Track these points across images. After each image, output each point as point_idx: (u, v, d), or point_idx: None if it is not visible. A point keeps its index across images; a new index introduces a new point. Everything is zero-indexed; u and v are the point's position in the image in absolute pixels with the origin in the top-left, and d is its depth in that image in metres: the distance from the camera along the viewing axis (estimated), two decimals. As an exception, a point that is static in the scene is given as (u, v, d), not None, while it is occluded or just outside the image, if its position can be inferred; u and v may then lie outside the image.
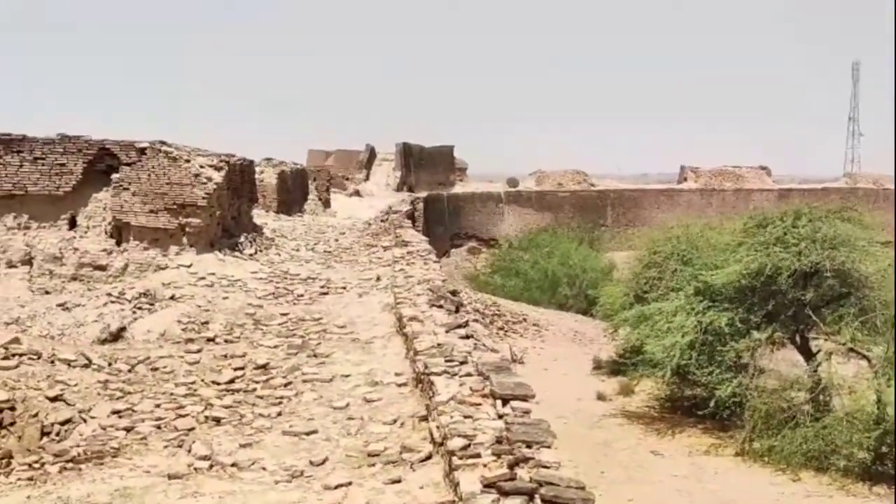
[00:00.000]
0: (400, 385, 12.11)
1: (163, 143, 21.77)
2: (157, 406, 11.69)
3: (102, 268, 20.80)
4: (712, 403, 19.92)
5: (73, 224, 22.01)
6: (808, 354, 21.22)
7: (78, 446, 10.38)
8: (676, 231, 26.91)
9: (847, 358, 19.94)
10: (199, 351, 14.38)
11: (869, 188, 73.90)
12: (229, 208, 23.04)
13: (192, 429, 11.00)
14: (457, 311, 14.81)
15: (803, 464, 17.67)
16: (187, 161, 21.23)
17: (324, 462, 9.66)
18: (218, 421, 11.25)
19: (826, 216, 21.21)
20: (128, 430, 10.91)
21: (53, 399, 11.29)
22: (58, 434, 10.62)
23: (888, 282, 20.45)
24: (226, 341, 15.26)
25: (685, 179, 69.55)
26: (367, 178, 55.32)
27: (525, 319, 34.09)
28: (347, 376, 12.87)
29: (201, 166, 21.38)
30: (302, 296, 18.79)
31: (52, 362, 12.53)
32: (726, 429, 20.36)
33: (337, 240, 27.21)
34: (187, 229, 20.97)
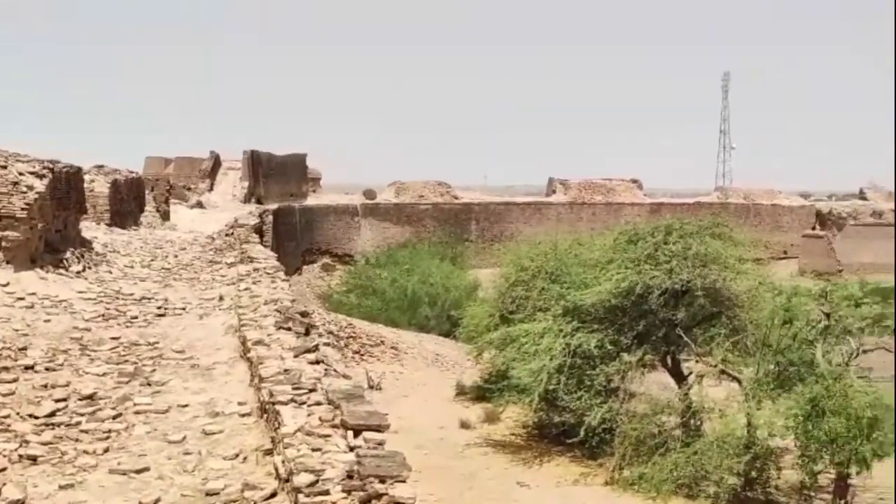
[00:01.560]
0: (243, 415, 11.88)
1: (-27, 146, 20.88)
2: (-37, 445, 11.13)
3: None
4: (582, 430, 20.24)
5: None
6: (680, 377, 21.85)
7: None
8: (544, 247, 27.31)
9: (718, 380, 20.62)
10: (14, 380, 13.74)
11: (740, 203, 77.01)
12: (53, 220, 22.23)
13: (3, 469, 10.51)
14: (307, 333, 14.65)
15: (674, 491, 18.17)
16: (3, 167, 20.40)
17: (156, 503, 9.38)
18: (34, 460, 10.76)
19: (697, 232, 21.87)
20: (-73, 472, 10.35)
21: None
22: None
23: (758, 301, 21.28)
24: (46, 369, 14.63)
25: (554, 192, 70.95)
26: (211, 189, 54.41)
27: (383, 342, 34.01)
28: (185, 406, 12.54)
29: (20, 173, 20.57)
30: (136, 318, 18.23)
31: None
32: (596, 457, 20.74)
33: (176, 255, 26.60)
34: (4, 244, 20.10)
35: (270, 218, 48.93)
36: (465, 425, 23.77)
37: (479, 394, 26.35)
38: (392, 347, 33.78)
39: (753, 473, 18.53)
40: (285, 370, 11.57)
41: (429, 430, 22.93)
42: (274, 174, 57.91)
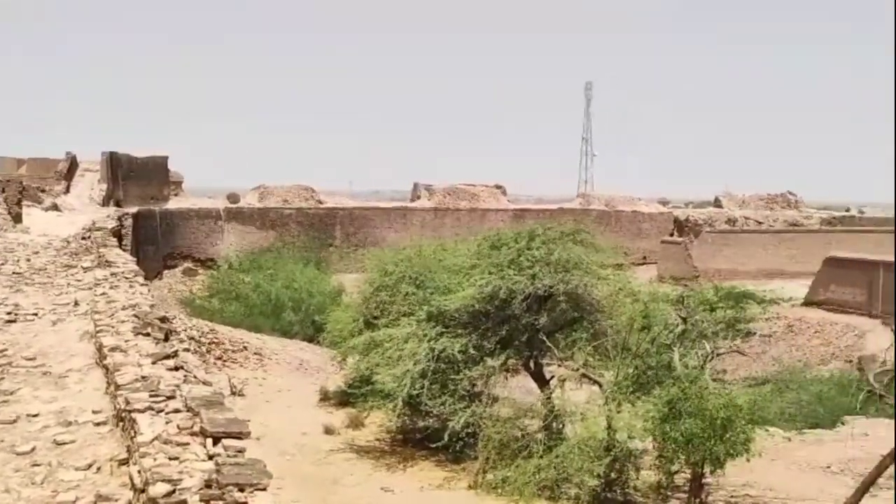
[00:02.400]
0: (98, 424, 11.50)
1: None
2: None
3: None
4: (445, 435, 20.33)
5: None
6: (542, 381, 22.12)
7: None
8: (409, 252, 27.38)
9: (580, 384, 20.98)
10: None
11: (602, 209, 78.71)
12: None
13: None
14: (166, 339, 14.31)
15: (536, 494, 18.38)
16: None
17: (2, 517, 8.99)
18: None
19: (560, 238, 22.21)
20: None
21: None
22: None
23: (619, 306, 21.73)
24: None
25: (419, 197, 71.19)
26: (67, 191, 52.69)
27: (246, 348, 33.56)
28: (35, 416, 12.07)
29: None
30: (-18, 324, 17.51)
31: None
32: (460, 461, 20.84)
33: (29, 259, 25.62)
34: None
35: (130, 221, 47.84)
36: (328, 431, 23.62)
37: (344, 399, 26.23)
38: (255, 353, 33.38)
39: (613, 475, 18.89)
40: (143, 377, 11.25)
41: (292, 436, 22.70)
42: (134, 176, 56.60)
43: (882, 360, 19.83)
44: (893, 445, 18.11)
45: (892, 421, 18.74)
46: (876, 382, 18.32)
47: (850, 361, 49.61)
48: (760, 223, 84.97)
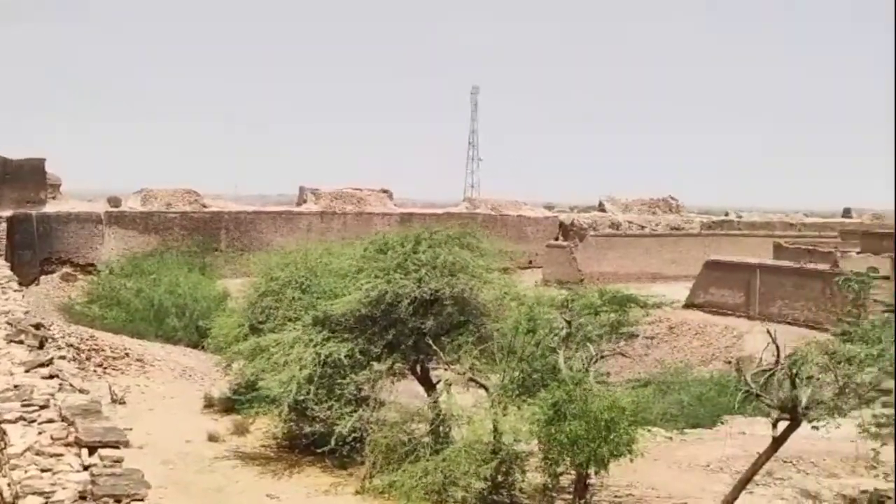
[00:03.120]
0: (-33, 436, 11.07)
1: None
2: None
3: None
4: (332, 440, 20.18)
5: None
6: (429, 385, 22.14)
7: None
8: (295, 256, 27.12)
9: (466, 387, 21.04)
10: None
11: (488, 214, 79.29)
12: None
13: None
14: (41, 346, 13.85)
15: (423, 497, 18.37)
16: None
17: None
18: None
19: (446, 242, 22.25)
20: None
21: None
22: None
23: (504, 310, 21.88)
24: None
25: (305, 201, 70.66)
26: (-65, 194, 50.77)
27: (128, 354, 32.81)
28: None
29: None
30: None
31: None
32: (346, 466, 20.76)
33: None
34: None
35: (4, 225, 46.38)
36: (213, 438, 23.24)
37: (229, 405, 25.86)
38: (137, 360, 32.64)
39: (500, 477, 19.00)
40: (15, 386, 10.85)
41: (175, 444, 22.28)
42: (9, 179, 54.78)
43: (759, 361, 20.31)
44: (770, 443, 18.65)
45: (769, 420, 19.26)
46: (753, 383, 18.75)
47: (730, 362, 50.88)
48: (643, 227, 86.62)
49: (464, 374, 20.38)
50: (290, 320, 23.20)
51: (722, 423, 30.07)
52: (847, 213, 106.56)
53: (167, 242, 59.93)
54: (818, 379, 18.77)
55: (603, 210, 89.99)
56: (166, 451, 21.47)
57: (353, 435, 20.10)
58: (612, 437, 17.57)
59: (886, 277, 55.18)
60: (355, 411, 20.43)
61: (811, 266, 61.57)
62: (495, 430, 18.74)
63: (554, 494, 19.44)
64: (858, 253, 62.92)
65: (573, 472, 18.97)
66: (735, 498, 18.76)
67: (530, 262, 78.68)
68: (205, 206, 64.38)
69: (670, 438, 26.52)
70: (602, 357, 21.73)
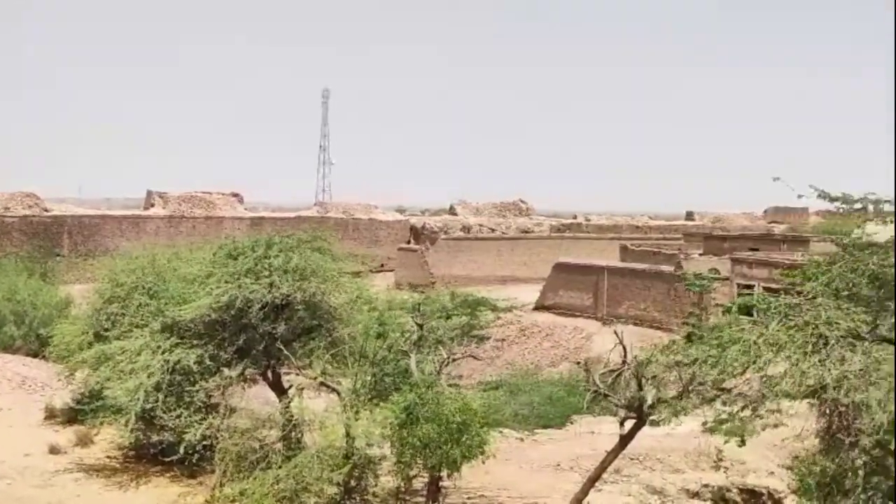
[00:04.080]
0: None
1: None
2: None
3: None
4: (181, 449, 19.83)
5: None
6: (281, 390, 21.97)
7: None
8: (142, 261, 26.51)
9: (318, 392, 20.99)
10: None
11: (340, 217, 79.15)
12: None
13: None
14: None
15: (275, 505, 18.22)
16: None
17: None
18: None
19: (298, 246, 22.13)
20: None
21: None
22: None
23: (357, 313, 21.93)
24: None
25: (153, 205, 69.30)
26: None
27: (-40, 365, 31.52)
28: None
29: None
30: None
31: None
32: (196, 475, 20.45)
33: None
34: None
35: None
36: (54, 450, 22.53)
37: (72, 416, 25.07)
38: (-29, 371, 31.40)
39: (353, 482, 19.01)
40: None
41: (13, 458, 21.54)
42: None
43: (606, 361, 20.87)
44: (617, 442, 19.19)
45: (616, 419, 19.82)
46: (601, 383, 19.25)
47: (579, 363, 52.03)
48: (494, 230, 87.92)
49: (315, 378, 20.31)
50: (137, 327, 22.66)
51: (571, 422, 30.77)
52: (690, 216, 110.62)
53: (5, 248, 57.89)
54: (663, 378, 19.42)
55: (454, 213, 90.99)
56: (2, 467, 20.78)
57: (203, 443, 19.77)
58: (464, 439, 17.77)
59: (726, 278, 57.47)
60: (205, 419, 20.11)
61: (656, 267, 63.67)
62: (347, 434, 18.73)
63: (407, 497, 19.58)
64: (701, 255, 65.44)
65: (426, 474, 19.13)
66: (584, 496, 19.22)
67: (382, 265, 79.00)
68: (46, 210, 62.42)
69: (521, 439, 27.03)
70: (454, 360, 21.96)
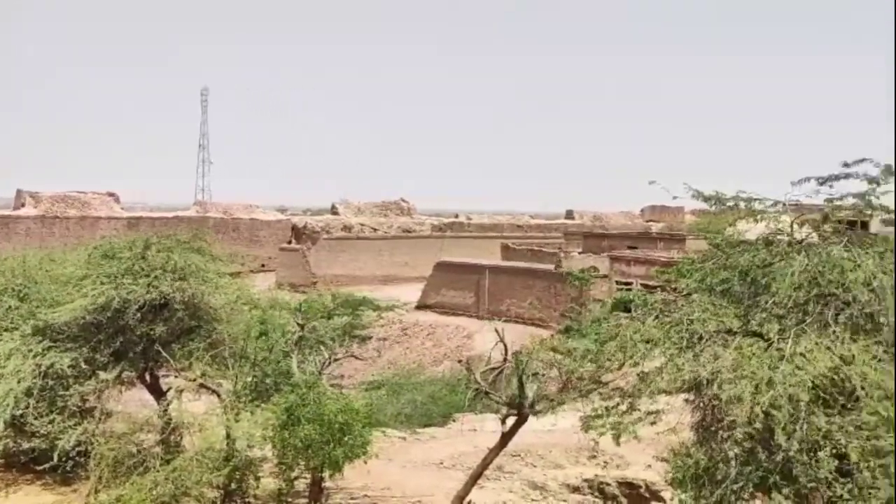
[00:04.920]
0: None
1: None
2: None
3: None
4: (55, 455, 19.28)
5: None
6: (159, 393, 21.59)
7: None
8: (11, 263, 25.68)
9: (198, 394, 20.67)
10: None
11: (219, 217, 78.06)
12: None
13: None
14: None
15: (154, 510, 17.89)
16: None
17: None
18: None
19: (177, 246, 21.78)
20: None
21: None
22: None
23: (237, 314, 21.68)
24: None
25: (23, 205, 67.20)
26: None
27: None
28: None
29: None
30: None
31: None
32: (70, 482, 19.94)
33: None
34: None
35: None
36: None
37: (-66, 426, 24.13)
38: None
39: (233, 485, 18.79)
40: None
41: None
42: None
43: (488, 359, 21.08)
44: (499, 439, 19.40)
45: (498, 416, 20.04)
46: (482, 380, 19.45)
47: (461, 361, 52.41)
48: (376, 230, 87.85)
49: (195, 380, 20.00)
50: (6, 331, 21.95)
51: (454, 420, 30.98)
52: (570, 214, 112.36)
53: None
54: (543, 375, 19.71)
55: (336, 213, 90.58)
56: None
57: (78, 449, 19.27)
58: (346, 439, 17.75)
59: (605, 276, 58.54)
60: (80, 424, 19.60)
61: (537, 265, 64.50)
62: (228, 436, 18.50)
63: (289, 499, 19.43)
64: (580, 253, 66.57)
65: (308, 475, 19.04)
66: (467, 493, 19.39)
67: (263, 265, 78.16)
68: None
69: (404, 438, 27.10)
70: (335, 360, 21.93)
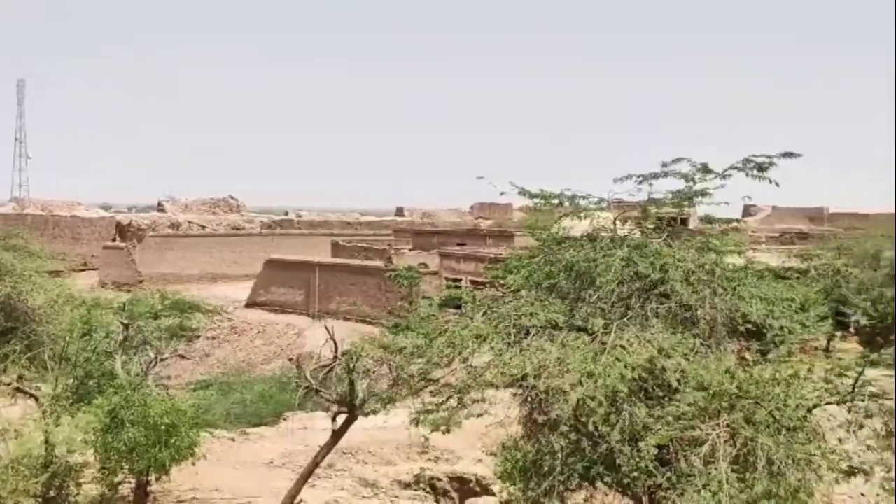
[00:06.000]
0: None
1: None
2: None
3: None
4: None
5: None
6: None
7: None
8: None
9: (13, 399, 19.77)
10: None
11: (38, 214, 75.01)
12: None
13: None
14: None
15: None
16: None
17: None
18: None
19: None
20: None
21: None
22: None
23: (57, 314, 20.84)
24: None
25: None
26: None
27: None
28: None
29: None
30: None
31: None
32: None
33: None
34: None
35: None
36: None
37: None
38: None
39: (52, 492, 18.01)
40: None
41: None
42: None
43: (318, 357, 20.91)
44: (330, 437, 19.26)
45: (329, 414, 19.90)
46: (312, 378, 19.27)
47: (291, 359, 51.99)
48: (204, 227, 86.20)
49: (10, 384, 19.11)
50: None
51: (284, 419, 30.61)
52: (399, 212, 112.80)
53: None
54: (374, 372, 19.66)
55: (163, 210, 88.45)
56: None
57: None
58: (172, 441, 17.29)
59: (435, 273, 58.97)
60: None
61: (367, 263, 64.47)
62: (47, 441, 17.73)
63: (113, 505, 18.81)
64: (410, 250, 66.91)
65: (133, 479, 18.46)
66: (298, 492, 19.18)
67: (85, 264, 75.59)
68: None
69: (232, 439, 26.59)
70: (162, 360, 21.33)
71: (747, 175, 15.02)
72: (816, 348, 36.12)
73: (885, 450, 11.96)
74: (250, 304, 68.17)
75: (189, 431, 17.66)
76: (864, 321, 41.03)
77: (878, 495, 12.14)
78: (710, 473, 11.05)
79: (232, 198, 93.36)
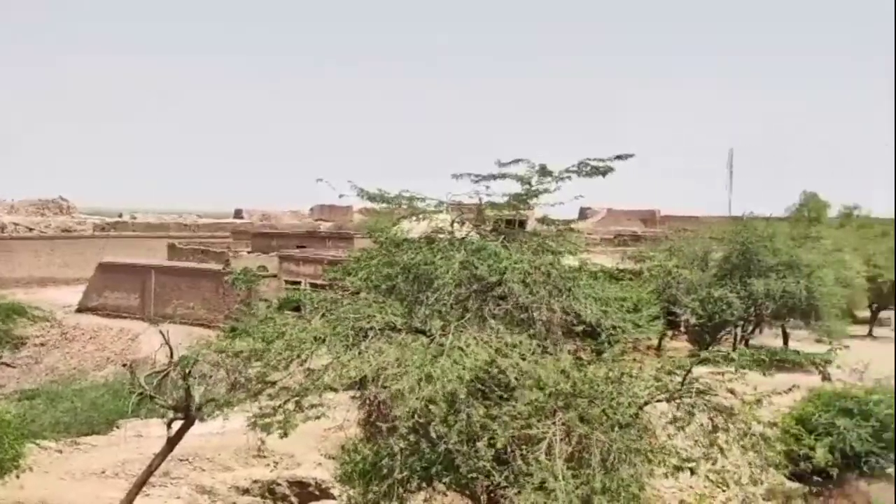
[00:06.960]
0: None
1: None
2: None
3: None
4: None
5: None
6: None
7: None
8: None
9: None
10: None
11: None
12: None
13: None
14: None
15: None
16: None
17: None
18: None
19: None
20: None
21: None
22: None
23: None
24: None
25: None
26: None
27: None
28: None
29: None
30: None
31: None
32: None
33: None
34: None
35: None
36: None
37: None
38: None
39: None
40: None
41: None
42: None
43: (153, 362, 20.34)
44: (165, 444, 18.73)
45: (163, 420, 19.37)
46: (147, 384, 18.72)
47: (125, 365, 50.50)
48: (31, 229, 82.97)
49: None
50: None
51: (118, 427, 29.68)
52: (238, 213, 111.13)
53: None
54: (211, 377, 19.23)
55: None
56: None
57: None
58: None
59: (274, 275, 58.26)
60: None
61: (205, 265, 63.27)
62: None
63: None
64: (249, 252, 65.97)
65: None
66: (130, 502, 18.58)
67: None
68: None
69: (60, 451, 25.60)
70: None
71: (580, 175, 15.36)
72: (649, 347, 37.28)
73: (710, 445, 12.41)
74: (82, 309, 65.97)
75: (13, 442, 16.94)
76: (693, 320, 42.71)
77: (704, 487, 12.58)
78: (546, 471, 11.18)
79: (62, 199, 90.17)
